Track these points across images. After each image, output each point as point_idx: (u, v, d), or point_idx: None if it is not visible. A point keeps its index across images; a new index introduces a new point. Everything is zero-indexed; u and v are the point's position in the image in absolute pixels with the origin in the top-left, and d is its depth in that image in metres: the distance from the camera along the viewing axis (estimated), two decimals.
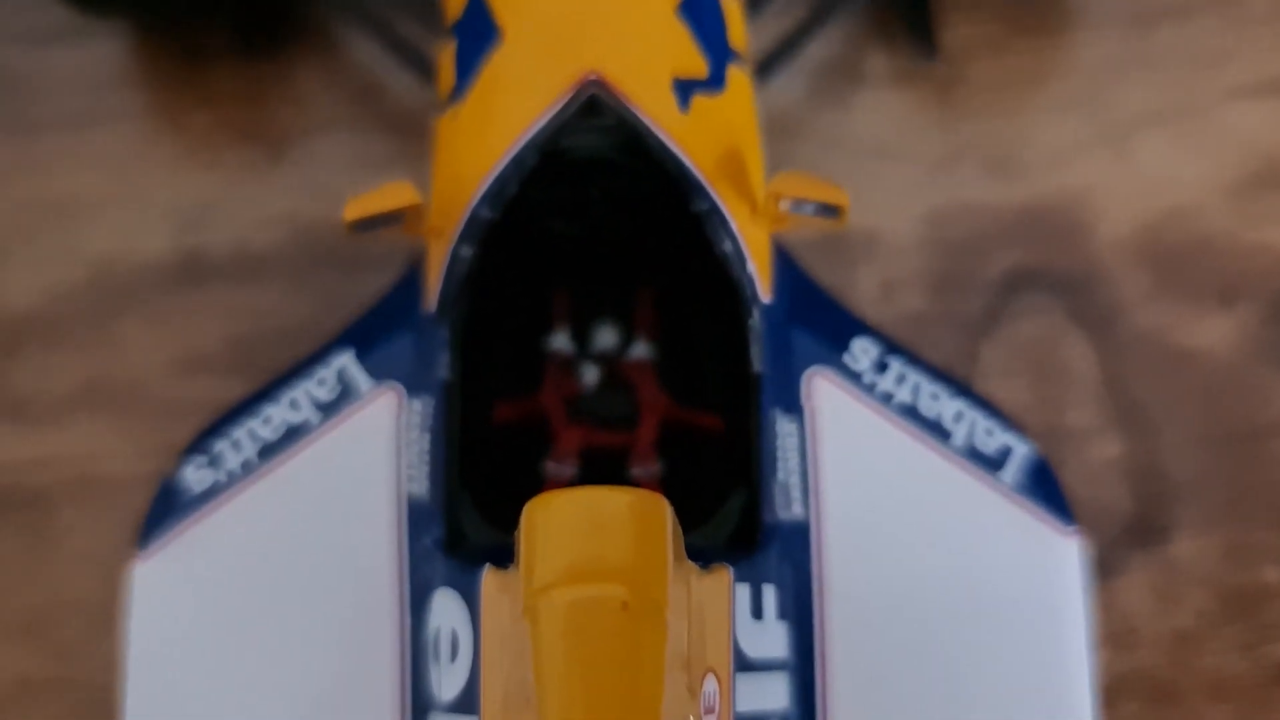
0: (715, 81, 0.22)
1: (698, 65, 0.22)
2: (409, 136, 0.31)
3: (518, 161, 0.21)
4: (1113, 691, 0.27)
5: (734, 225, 0.21)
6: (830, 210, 0.21)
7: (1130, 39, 0.32)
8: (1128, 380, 0.29)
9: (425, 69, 0.28)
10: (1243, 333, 0.29)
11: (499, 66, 0.22)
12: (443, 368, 0.21)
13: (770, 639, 0.19)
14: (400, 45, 0.29)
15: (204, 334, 0.30)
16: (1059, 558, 0.21)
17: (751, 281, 0.21)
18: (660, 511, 0.15)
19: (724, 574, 0.17)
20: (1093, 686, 0.21)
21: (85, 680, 0.27)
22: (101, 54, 0.32)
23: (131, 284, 0.30)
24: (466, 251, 0.21)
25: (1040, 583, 0.21)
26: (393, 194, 0.21)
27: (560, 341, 0.24)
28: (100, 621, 0.26)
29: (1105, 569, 0.28)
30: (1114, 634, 0.27)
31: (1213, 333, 0.29)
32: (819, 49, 0.32)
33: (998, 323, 0.30)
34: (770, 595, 0.19)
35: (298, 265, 0.30)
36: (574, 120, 0.21)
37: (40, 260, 0.30)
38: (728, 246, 0.21)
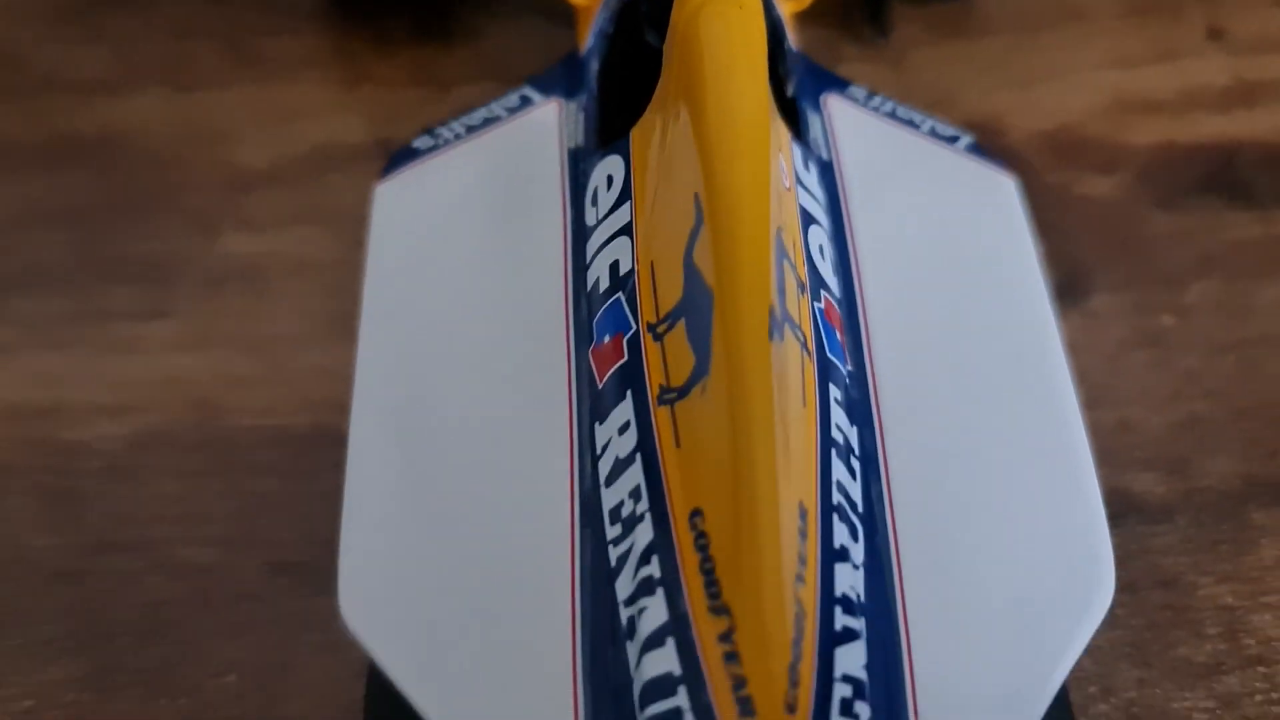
0: None
1: None
2: None
3: None
4: None
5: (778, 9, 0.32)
6: None
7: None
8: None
9: None
10: (1121, 187, 0.39)
11: None
12: (592, 80, 0.30)
13: (814, 188, 0.28)
14: None
15: None
16: (1006, 191, 0.29)
17: (784, 29, 0.32)
18: None
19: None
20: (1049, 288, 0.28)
21: (287, 382, 0.34)
22: None
23: (336, 156, 0.39)
24: (607, 18, 0.32)
25: (994, 211, 0.29)
26: None
27: None
28: (302, 347, 0.34)
29: None
30: None
31: (1101, 186, 0.39)
32: None
33: None
34: (811, 160, 0.28)
35: None
36: None
37: (269, 142, 0.40)
38: (776, 13, 0.32)
